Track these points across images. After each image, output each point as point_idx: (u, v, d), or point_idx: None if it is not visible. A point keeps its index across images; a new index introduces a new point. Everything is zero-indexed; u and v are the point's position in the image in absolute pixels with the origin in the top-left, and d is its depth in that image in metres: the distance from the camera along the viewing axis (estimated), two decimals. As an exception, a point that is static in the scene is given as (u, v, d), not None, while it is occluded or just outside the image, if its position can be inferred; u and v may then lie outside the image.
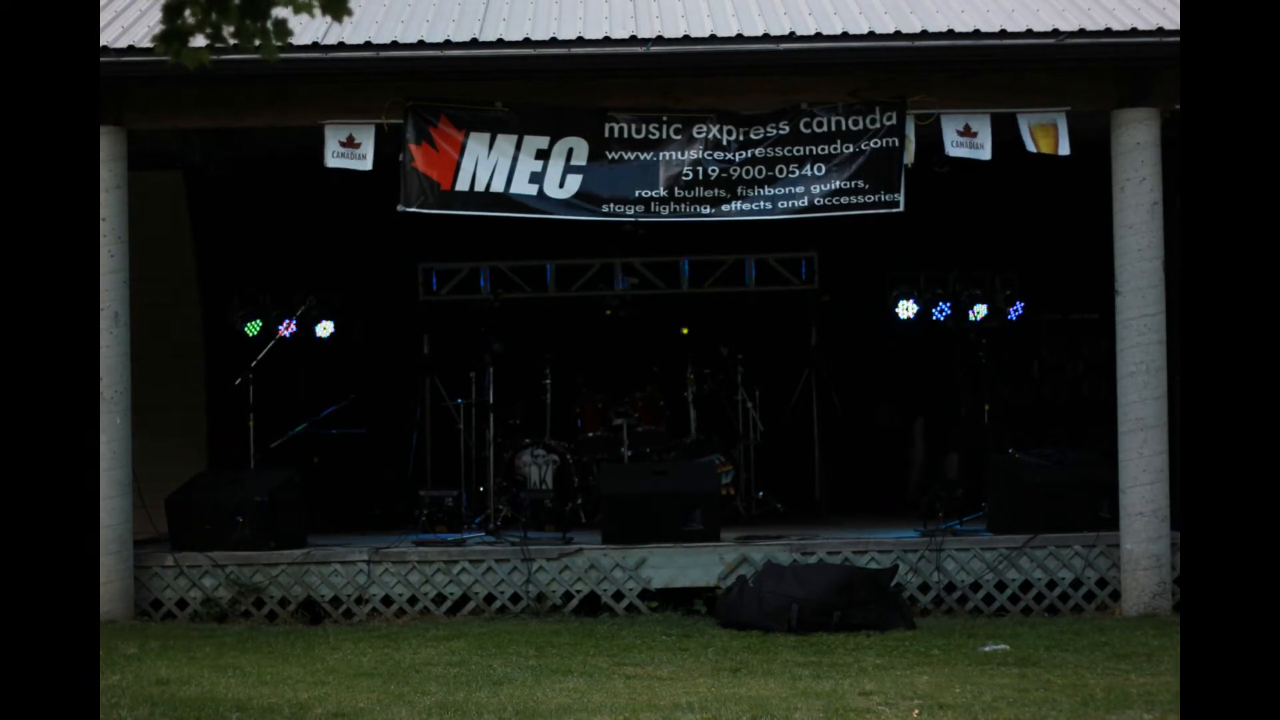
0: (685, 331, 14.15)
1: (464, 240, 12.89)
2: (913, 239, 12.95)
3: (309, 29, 10.19)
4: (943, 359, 13.95)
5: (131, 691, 7.61)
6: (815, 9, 10.78)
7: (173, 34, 4.66)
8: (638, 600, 10.54)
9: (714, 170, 10.53)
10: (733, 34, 10.34)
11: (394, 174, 10.53)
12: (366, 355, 13.91)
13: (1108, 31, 10.25)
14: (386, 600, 10.59)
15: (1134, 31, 10.23)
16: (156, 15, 8.82)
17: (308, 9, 4.70)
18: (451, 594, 10.57)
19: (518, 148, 10.50)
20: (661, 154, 10.54)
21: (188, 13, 4.64)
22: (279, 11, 4.74)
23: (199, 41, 4.73)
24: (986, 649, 8.85)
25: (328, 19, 10.01)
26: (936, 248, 13.53)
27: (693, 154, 10.53)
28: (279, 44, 4.73)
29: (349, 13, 4.76)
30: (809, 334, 14.05)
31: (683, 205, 10.59)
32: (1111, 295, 10.44)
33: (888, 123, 10.46)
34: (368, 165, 10.41)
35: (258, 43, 4.73)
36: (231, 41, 4.73)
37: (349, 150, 10.40)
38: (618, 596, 10.57)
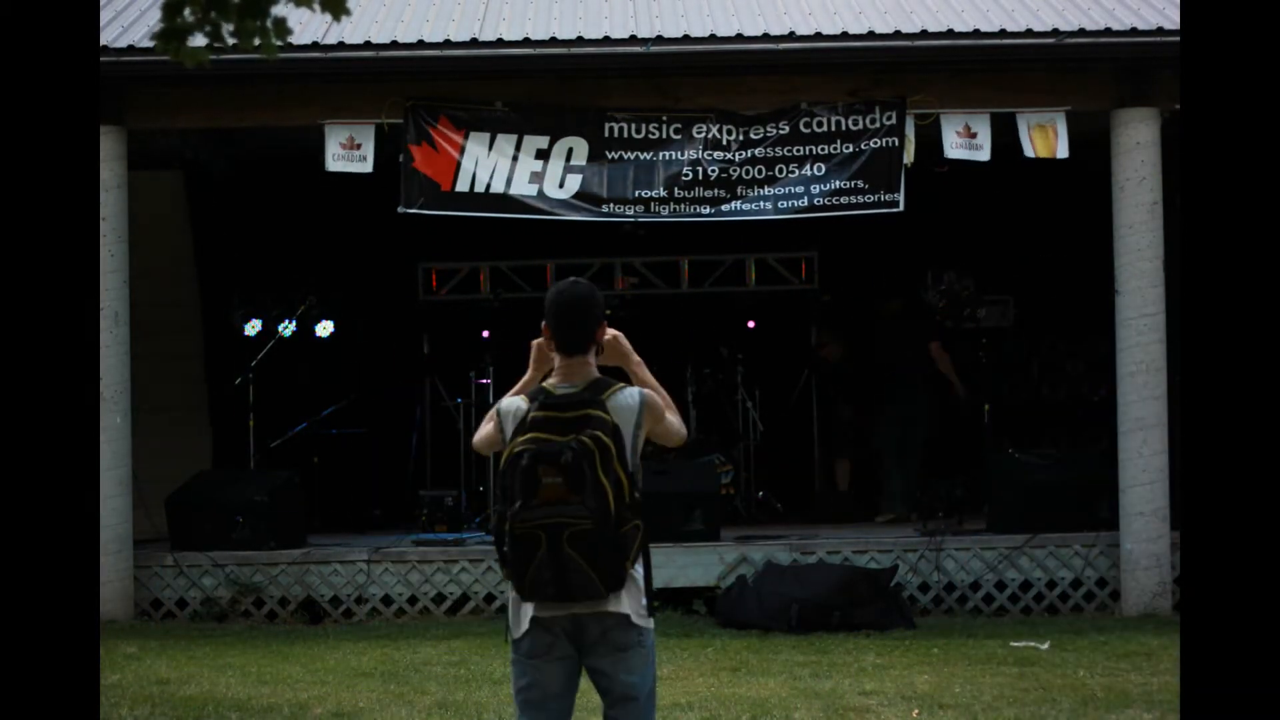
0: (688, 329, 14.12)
1: (464, 240, 12.88)
2: (912, 239, 12.94)
3: (309, 29, 10.19)
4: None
5: (131, 691, 7.62)
6: (815, 9, 10.79)
7: (172, 32, 4.66)
8: (638, 600, 10.52)
9: (714, 170, 10.53)
10: (732, 34, 10.34)
11: (394, 174, 10.54)
12: (366, 355, 13.90)
13: (1107, 31, 10.25)
14: (386, 600, 10.60)
15: (1134, 31, 10.24)
16: (156, 15, 8.82)
17: (307, 4, 4.70)
18: (451, 594, 10.58)
19: (518, 148, 10.50)
20: (661, 154, 10.54)
21: (187, 11, 4.64)
22: (278, 9, 4.74)
23: (198, 40, 4.73)
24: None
25: (327, 18, 10.03)
26: (936, 247, 13.52)
27: (692, 154, 10.53)
28: (279, 42, 4.73)
29: (347, 11, 4.76)
30: (809, 334, 14.05)
31: (683, 205, 10.59)
32: (1111, 295, 10.44)
33: (888, 122, 10.46)
34: (368, 167, 10.42)
35: (257, 41, 4.73)
36: (231, 41, 4.72)
37: (349, 152, 10.40)
38: (618, 596, 10.55)
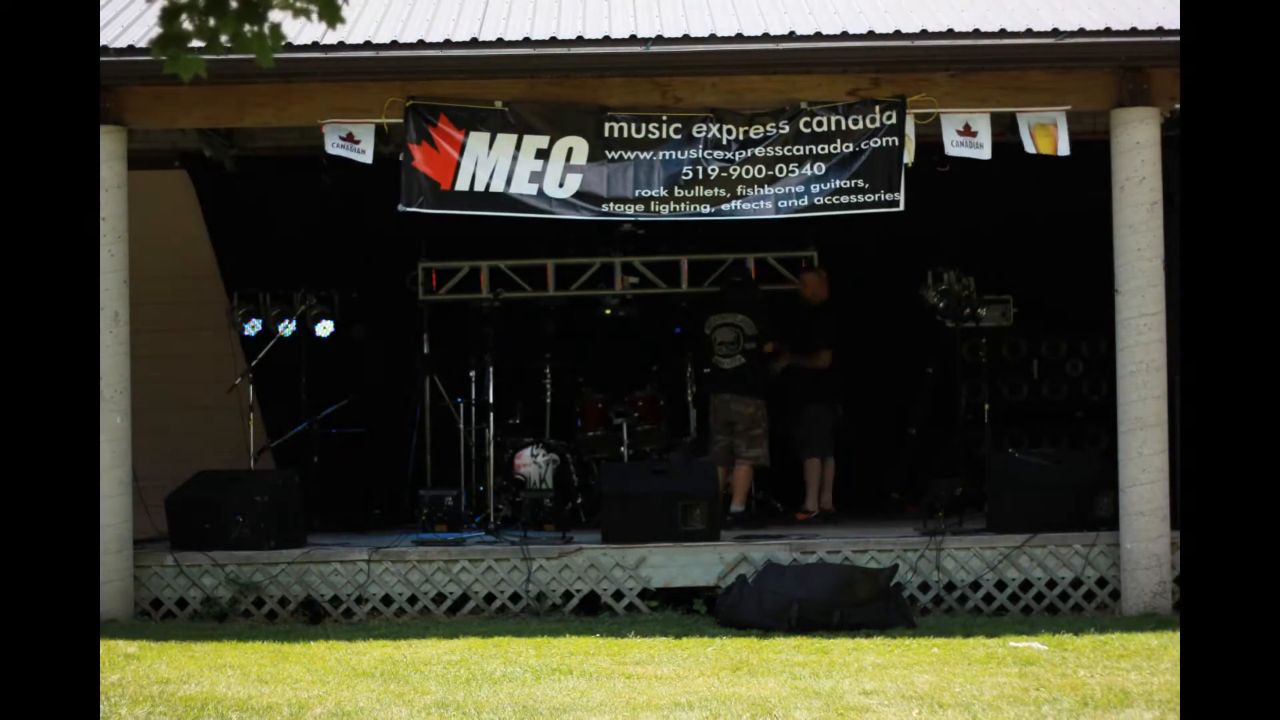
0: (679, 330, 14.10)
1: (464, 240, 12.87)
2: (912, 239, 12.91)
3: (309, 29, 10.18)
4: (943, 359, 13.92)
5: (131, 691, 7.61)
6: (815, 8, 10.79)
7: (169, 39, 4.66)
8: (637, 600, 10.54)
9: (714, 170, 10.53)
10: (732, 33, 10.34)
11: (394, 173, 10.54)
12: (366, 355, 13.89)
13: (1107, 31, 10.25)
14: (386, 599, 10.59)
15: (1134, 31, 10.24)
16: (156, 14, 8.83)
17: (305, 14, 4.71)
18: (451, 593, 10.58)
19: (517, 147, 10.49)
20: (661, 153, 10.53)
21: (184, 17, 4.64)
22: (275, 15, 4.75)
23: (195, 43, 4.74)
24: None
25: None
26: (936, 247, 13.50)
27: (692, 153, 10.52)
28: (274, 48, 4.74)
29: (342, 20, 4.78)
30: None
31: (683, 205, 10.58)
32: (1111, 295, 10.44)
33: (888, 122, 10.45)
34: (367, 159, 10.44)
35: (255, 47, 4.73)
36: (227, 47, 4.73)
37: (348, 143, 10.43)
38: (617, 596, 10.57)
